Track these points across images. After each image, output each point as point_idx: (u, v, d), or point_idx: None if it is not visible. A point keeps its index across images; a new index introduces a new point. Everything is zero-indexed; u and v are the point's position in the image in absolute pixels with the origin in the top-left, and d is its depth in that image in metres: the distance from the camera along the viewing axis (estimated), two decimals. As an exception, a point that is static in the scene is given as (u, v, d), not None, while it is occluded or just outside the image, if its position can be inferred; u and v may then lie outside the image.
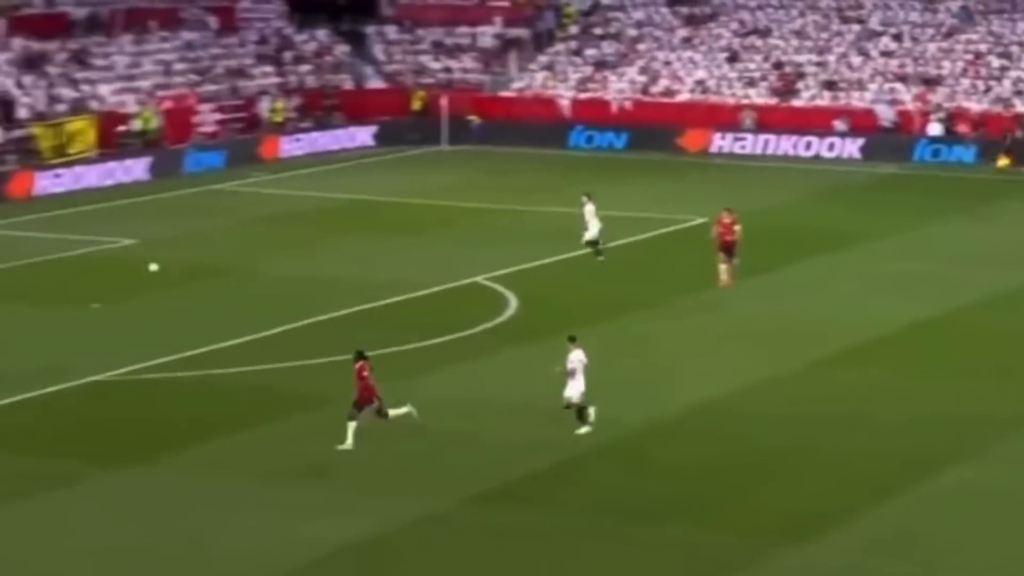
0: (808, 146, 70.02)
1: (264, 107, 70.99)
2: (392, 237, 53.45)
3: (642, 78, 75.24)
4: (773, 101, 72.74)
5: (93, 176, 62.83)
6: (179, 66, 71.33)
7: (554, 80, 76.05)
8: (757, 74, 74.38)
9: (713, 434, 33.79)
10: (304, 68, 75.21)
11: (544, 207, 58.20)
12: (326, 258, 50.13)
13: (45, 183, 61.29)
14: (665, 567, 27.27)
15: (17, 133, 62.64)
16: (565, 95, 74.75)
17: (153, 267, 45.87)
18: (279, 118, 70.89)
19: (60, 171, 61.96)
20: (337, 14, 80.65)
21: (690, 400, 35.81)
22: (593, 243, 48.95)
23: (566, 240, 51.37)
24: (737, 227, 45.37)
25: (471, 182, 64.00)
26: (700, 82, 74.48)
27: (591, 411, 33.51)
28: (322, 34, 78.35)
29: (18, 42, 68.06)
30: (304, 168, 67.26)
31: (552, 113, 74.10)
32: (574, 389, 33.52)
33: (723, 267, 45.39)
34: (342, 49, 77.91)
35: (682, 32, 78.07)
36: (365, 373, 32.49)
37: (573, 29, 79.61)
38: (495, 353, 39.27)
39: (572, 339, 33.98)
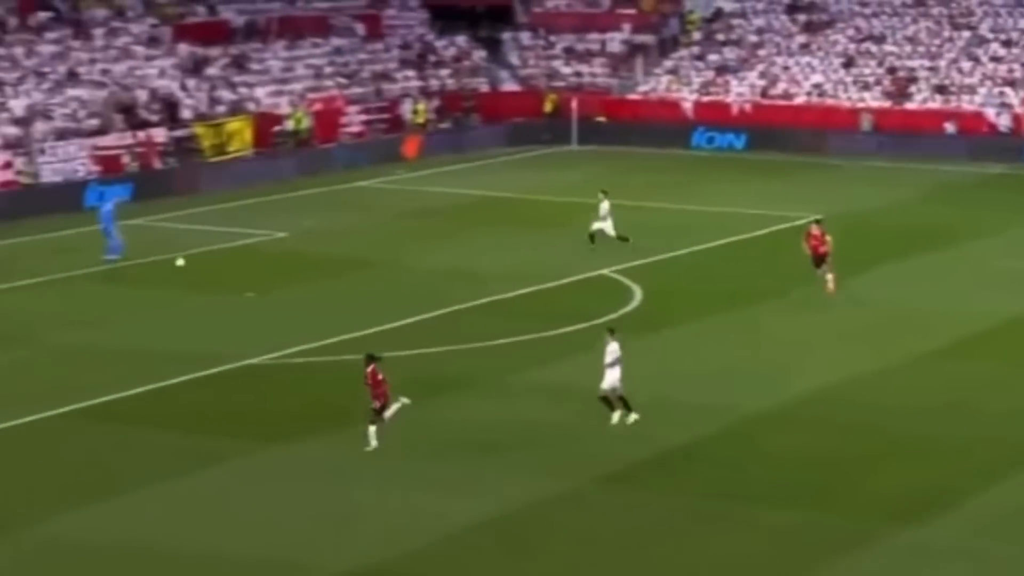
0: (919, 147, 69.39)
1: (406, 109, 71.33)
2: (524, 231, 53.64)
3: (761, 82, 74.89)
4: (887, 104, 72.14)
5: (249, 173, 63.22)
6: (328, 70, 71.90)
7: (678, 84, 75.86)
8: (871, 78, 73.80)
9: (825, 422, 33.71)
10: (444, 72, 75.52)
11: (667, 204, 58.17)
12: (463, 251, 50.40)
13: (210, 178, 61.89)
14: (778, 549, 27.29)
15: (180, 132, 63.21)
16: (688, 98, 74.57)
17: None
18: (421, 119, 71.22)
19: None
20: (475, 21, 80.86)
21: (803, 389, 35.73)
22: (623, 238, 48.71)
23: (688, 235, 51.40)
24: (828, 238, 43.52)
25: (598, 180, 63.93)
26: (817, 86, 74.02)
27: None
28: (461, 40, 78.60)
29: (183, 48, 68.93)
30: (442, 166, 67.52)
31: (675, 115, 73.91)
32: (609, 380, 32.92)
33: (828, 276, 43.28)
34: (479, 54, 78.13)
35: (800, 38, 77.58)
36: (380, 377, 31.74)
37: (696, 35, 79.32)
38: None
39: (611, 331, 33.45)
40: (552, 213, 57.10)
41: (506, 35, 79.82)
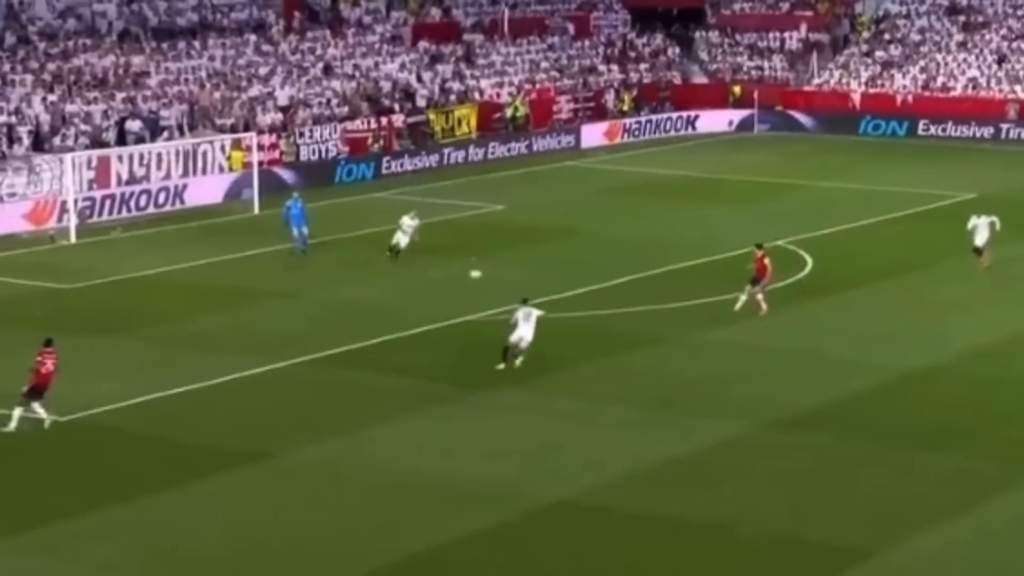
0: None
1: (610, 99, 71.24)
2: (711, 207, 53.42)
3: (922, 76, 73.53)
4: (1034, 96, 70.49)
5: (474, 154, 63.65)
6: (543, 64, 72.11)
7: (848, 77, 74.79)
8: (1022, 73, 72.04)
9: (972, 377, 33.28)
10: (642, 66, 75.30)
11: (838, 183, 57.52)
12: (656, 223, 50.33)
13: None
14: (928, 486, 27.07)
15: (416, 118, 63.85)
16: (857, 90, 73.49)
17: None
18: (626, 107, 71.02)
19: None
20: (670, 22, 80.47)
21: (958, 348, 35.25)
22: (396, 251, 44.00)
23: (856, 211, 50.82)
24: (767, 262, 38.15)
25: (777, 163, 63.52)
26: (972, 79, 72.49)
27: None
28: (658, 38, 78.31)
29: (420, 45, 69.67)
30: (638, 149, 67.38)
31: (845, 105, 72.90)
32: (517, 334, 33.11)
33: (759, 298, 38.05)
34: (673, 51, 77.77)
35: (958, 37, 76.00)
36: (46, 362, 29.33)
37: (865, 34, 78.09)
38: (793, 305, 39.13)
39: (524, 300, 33.67)
40: (735, 190, 56.77)
41: (697, 34, 79.31)
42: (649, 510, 25.97)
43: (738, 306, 37.75)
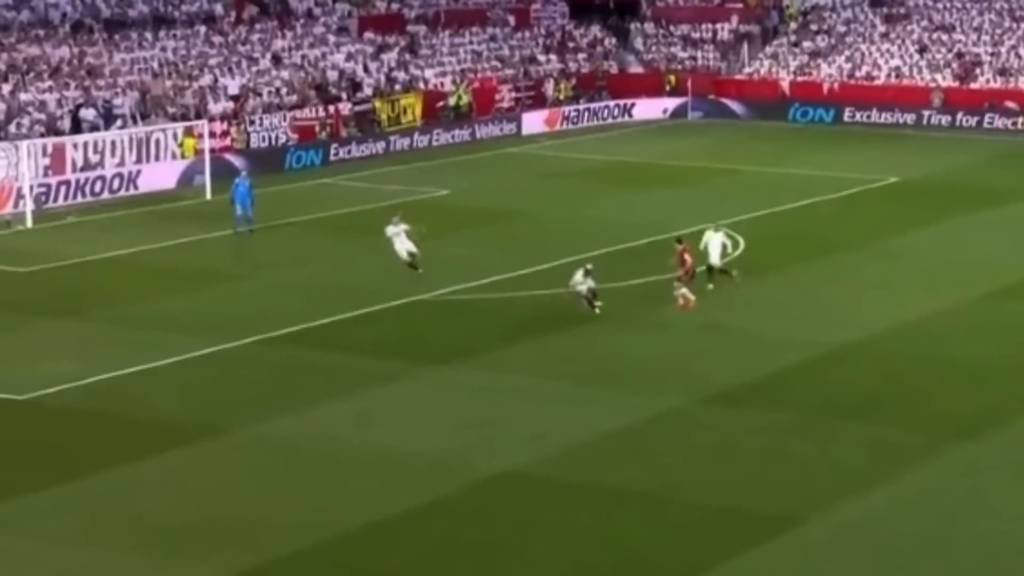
0: (981, 121, 68.27)
1: (549, 87, 71.17)
2: (647, 191, 53.55)
3: (848, 65, 73.94)
4: (955, 84, 70.99)
5: (419, 141, 63.47)
6: (485, 55, 72.01)
7: (777, 66, 75.11)
8: (942, 62, 72.60)
9: (897, 352, 33.56)
10: (580, 56, 75.31)
11: (768, 168, 57.78)
12: (595, 207, 50.45)
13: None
14: (854, 457, 27.30)
15: (362, 107, 63.60)
16: (786, 79, 73.82)
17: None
18: (562, 95, 71.02)
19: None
20: (607, 14, 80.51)
21: (883, 325, 35.53)
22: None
23: (785, 194, 51.08)
24: (687, 257, 37.16)
25: (710, 149, 63.76)
26: (895, 69, 72.98)
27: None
28: (595, 29, 78.34)
29: (366, 35, 69.41)
30: (577, 136, 67.44)
31: (775, 93, 73.21)
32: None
33: (683, 291, 37.11)
34: (610, 41, 77.81)
35: (881, 28, 76.48)
36: None
37: (793, 25, 78.42)
38: (722, 287, 39.21)
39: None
40: (669, 175, 56.92)
41: (633, 25, 79.37)
42: (589, 480, 26.06)
43: (679, 303, 37.11)
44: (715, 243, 38.45)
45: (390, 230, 39.97)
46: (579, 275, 36.15)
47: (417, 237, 39.77)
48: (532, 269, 40.78)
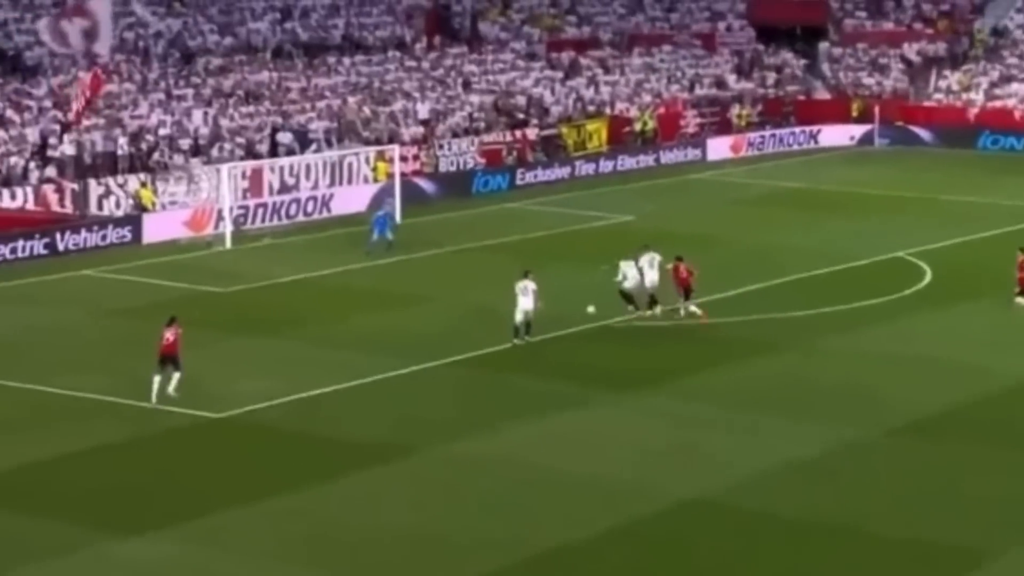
0: None
1: (733, 113, 70.83)
2: (832, 219, 52.96)
3: (1041, 91, 72.33)
4: None
5: (604, 166, 63.53)
6: (672, 79, 71.76)
7: (967, 92, 73.73)
8: None
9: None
10: (768, 81, 74.70)
11: (956, 196, 56.79)
12: (780, 234, 50.01)
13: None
14: None
15: (549, 131, 63.93)
16: (975, 105, 72.42)
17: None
18: (743, 122, 70.61)
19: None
20: (793, 37, 79.85)
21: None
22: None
23: (974, 223, 50.17)
24: (683, 273, 38.25)
25: (897, 176, 62.79)
26: (1092, 93, 71.20)
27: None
28: (782, 54, 77.67)
29: (554, 59, 69.88)
30: (763, 162, 66.89)
31: (963, 119, 71.85)
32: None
33: (692, 308, 38.17)
34: (797, 66, 77.12)
35: (1079, 52, 74.70)
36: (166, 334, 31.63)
37: (983, 50, 76.93)
38: (912, 314, 38.72)
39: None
40: (856, 202, 56.24)
41: (821, 48, 78.52)
42: (776, 510, 25.99)
43: (686, 311, 37.81)
44: (648, 270, 38.18)
45: (519, 286, 36.23)
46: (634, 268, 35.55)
47: (541, 305, 36.81)
48: (717, 296, 40.65)
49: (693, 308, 38.34)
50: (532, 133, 63.03)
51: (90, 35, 53.40)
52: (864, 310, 39.26)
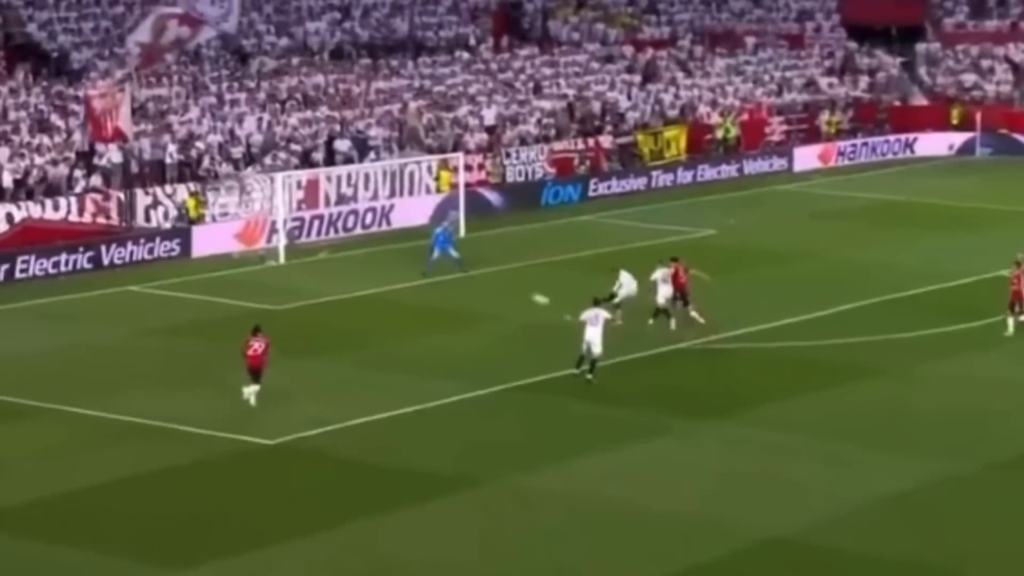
0: None
1: (822, 120, 70.52)
2: (929, 234, 52.66)
3: None
4: None
5: (682, 177, 63.45)
6: (756, 81, 71.51)
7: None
8: None
9: None
10: (860, 86, 74.29)
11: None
12: (873, 250, 49.79)
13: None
14: None
15: (624, 139, 63.95)
16: (1086, 110, 71.81)
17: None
18: (834, 129, 70.26)
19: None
20: (889, 39, 79.42)
21: None
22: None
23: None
24: (681, 276, 39.57)
25: (1000, 188, 62.27)
26: None
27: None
28: (876, 56, 77.21)
29: (630, 62, 69.88)
30: (854, 173, 66.54)
31: (1074, 127, 71.21)
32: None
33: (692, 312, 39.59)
34: (893, 69, 76.67)
35: None
36: (253, 344, 33.00)
37: (1096, 50, 76.25)
38: (1015, 339, 38.41)
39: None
40: (955, 217, 55.88)
41: (917, 49, 78.04)
42: (866, 550, 25.86)
43: (696, 315, 39.08)
44: (662, 283, 39.46)
45: (587, 315, 35.53)
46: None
47: (619, 321, 37.87)
48: (803, 317, 40.57)
49: (694, 314, 39.31)
50: (606, 141, 63.08)
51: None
52: (964, 333, 39.01)
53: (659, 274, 39.62)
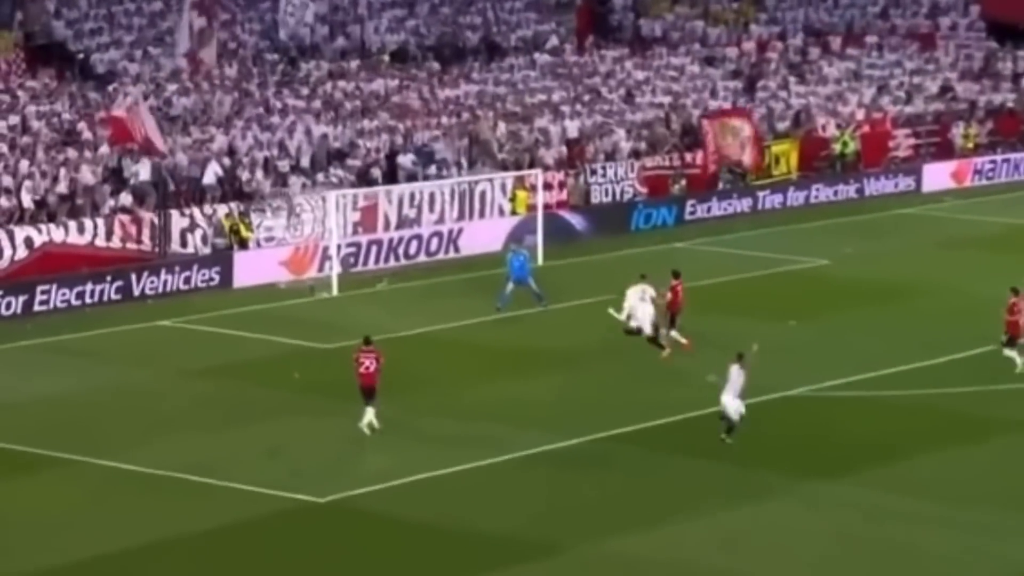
0: None
1: (956, 133, 70.10)
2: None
3: None
4: None
5: (793, 198, 63.38)
6: (880, 89, 71.18)
7: None
8: None
9: None
10: (1001, 93, 73.61)
11: None
12: (1009, 282, 48.98)
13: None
14: None
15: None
16: None
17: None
18: (970, 144, 69.87)
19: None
20: (1033, 40, 78.82)
21: None
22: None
23: None
24: (670, 296, 41.99)
25: None
26: None
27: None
28: (1021, 58, 76.45)
29: (729, 66, 69.88)
30: (993, 194, 66.08)
31: None
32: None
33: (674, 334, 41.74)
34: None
35: None
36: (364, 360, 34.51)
37: None
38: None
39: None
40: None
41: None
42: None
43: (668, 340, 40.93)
44: (638, 304, 41.10)
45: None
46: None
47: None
48: (929, 361, 40.44)
49: (674, 334, 41.27)
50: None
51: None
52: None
53: (636, 292, 41.06)
